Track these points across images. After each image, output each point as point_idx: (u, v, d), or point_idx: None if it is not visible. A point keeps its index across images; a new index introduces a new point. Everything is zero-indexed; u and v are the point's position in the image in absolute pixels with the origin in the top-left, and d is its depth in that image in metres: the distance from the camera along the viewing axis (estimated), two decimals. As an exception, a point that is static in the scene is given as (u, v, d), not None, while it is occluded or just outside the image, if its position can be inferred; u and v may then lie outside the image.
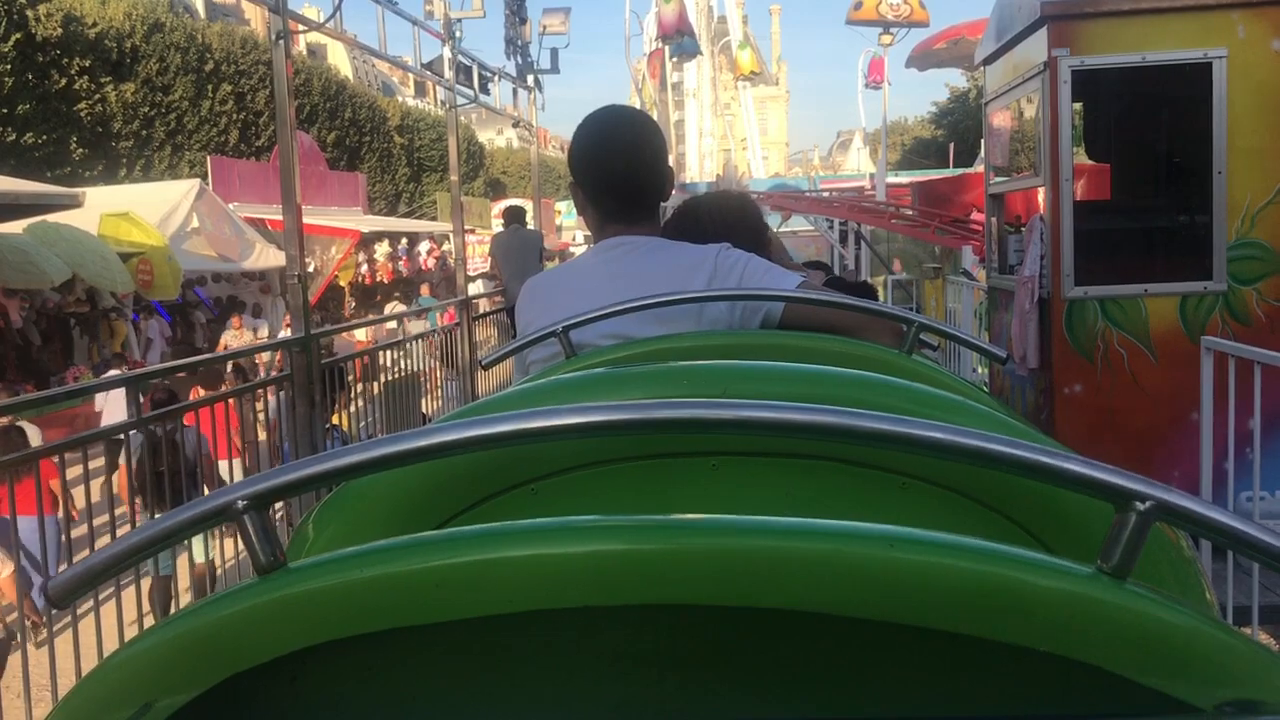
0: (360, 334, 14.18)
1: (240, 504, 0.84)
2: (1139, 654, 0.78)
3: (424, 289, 21.77)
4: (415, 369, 8.53)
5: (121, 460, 6.26)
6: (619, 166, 2.14)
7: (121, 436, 5.08)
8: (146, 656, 0.85)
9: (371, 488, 1.21)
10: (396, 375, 8.15)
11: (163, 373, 6.68)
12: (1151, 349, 5.53)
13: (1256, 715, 0.78)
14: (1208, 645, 0.79)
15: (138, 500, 4.99)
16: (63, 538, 5.74)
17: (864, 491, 1.22)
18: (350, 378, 7.48)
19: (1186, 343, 5.34)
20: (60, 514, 6.01)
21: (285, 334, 15.83)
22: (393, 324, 13.53)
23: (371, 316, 18.38)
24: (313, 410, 5.64)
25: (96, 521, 4.46)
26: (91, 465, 4.03)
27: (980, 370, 9.36)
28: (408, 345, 8.59)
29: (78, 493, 4.72)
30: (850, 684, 0.89)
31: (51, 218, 14.44)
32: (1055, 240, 5.57)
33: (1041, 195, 5.92)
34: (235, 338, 17.47)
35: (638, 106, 30.20)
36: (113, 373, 13.73)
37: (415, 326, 10.70)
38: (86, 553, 5.60)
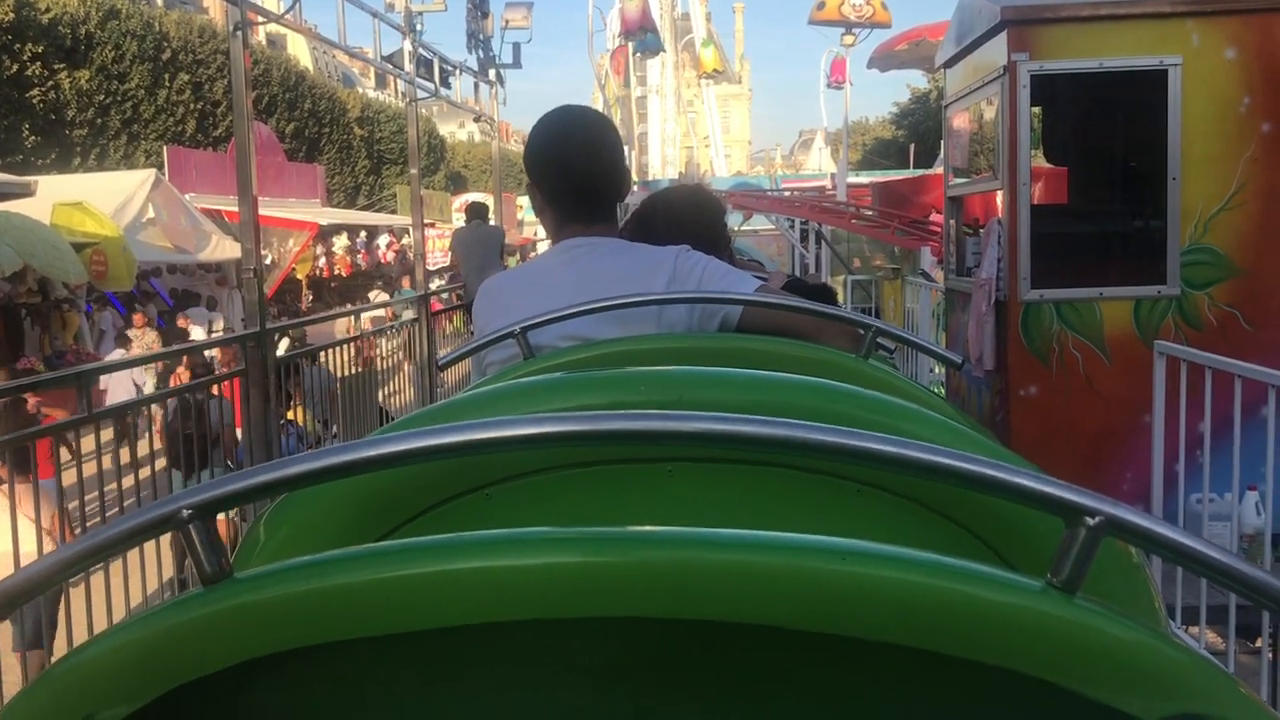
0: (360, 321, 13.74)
1: (185, 513, 0.82)
2: (1087, 668, 0.79)
3: (404, 281, 21.54)
4: (379, 364, 8.50)
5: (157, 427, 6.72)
6: (577, 167, 2.13)
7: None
8: (89, 667, 0.83)
9: (325, 490, 1.20)
10: (358, 369, 8.10)
11: (118, 366, 6.59)
12: (1106, 352, 5.60)
13: None
14: (1155, 659, 0.80)
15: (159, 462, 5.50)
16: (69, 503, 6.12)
17: (819, 498, 1.22)
18: (315, 366, 7.43)
19: (1140, 346, 5.40)
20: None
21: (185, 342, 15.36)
22: (379, 312, 13.38)
23: (357, 305, 18.16)
24: (267, 406, 5.59)
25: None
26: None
27: (937, 370, 9.43)
28: (372, 338, 8.56)
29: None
30: (803, 697, 0.89)
31: (2, 206, 14.20)
32: (1012, 243, 5.63)
33: (999, 198, 5.97)
34: (137, 338, 15.61)
35: (601, 103, 30.16)
36: (118, 351, 13.57)
37: (409, 315, 10.61)
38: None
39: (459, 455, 0.88)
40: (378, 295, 20.45)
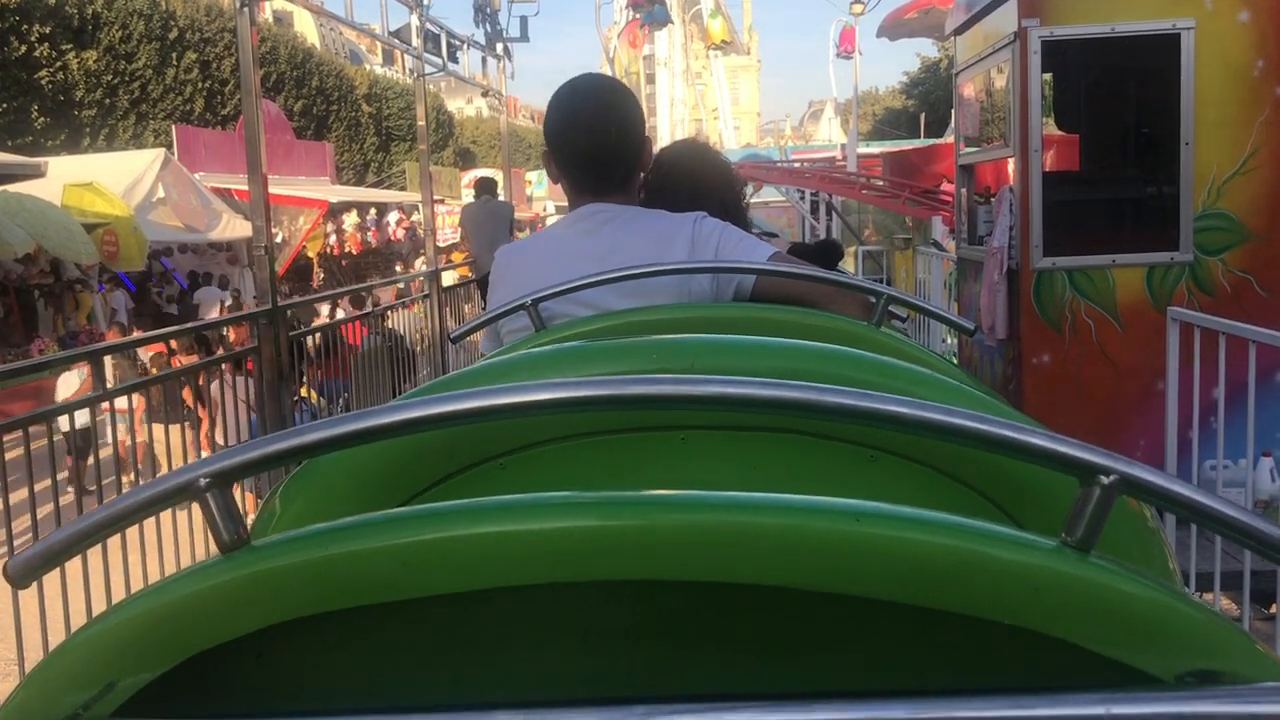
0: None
1: (202, 481, 0.83)
2: (1102, 626, 0.79)
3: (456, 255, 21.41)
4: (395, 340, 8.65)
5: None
6: (587, 137, 2.11)
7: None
8: (110, 635, 0.84)
9: (340, 462, 1.21)
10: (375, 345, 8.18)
11: (127, 345, 6.62)
12: (1119, 319, 5.57)
13: (1216, 685, 0.79)
14: (1169, 617, 0.80)
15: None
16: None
17: (832, 465, 1.22)
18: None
19: (1153, 313, 5.38)
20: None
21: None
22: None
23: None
24: (280, 383, 5.60)
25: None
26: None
27: (949, 341, 9.40)
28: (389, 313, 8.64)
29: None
30: (817, 657, 0.90)
31: (13, 188, 14.24)
32: (1024, 211, 5.59)
33: (1011, 166, 5.93)
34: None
35: (597, 74, 29.94)
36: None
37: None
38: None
39: (475, 421, 0.88)
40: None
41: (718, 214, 2.18)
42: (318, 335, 7.45)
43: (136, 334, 13.36)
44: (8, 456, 3.86)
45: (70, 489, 6.37)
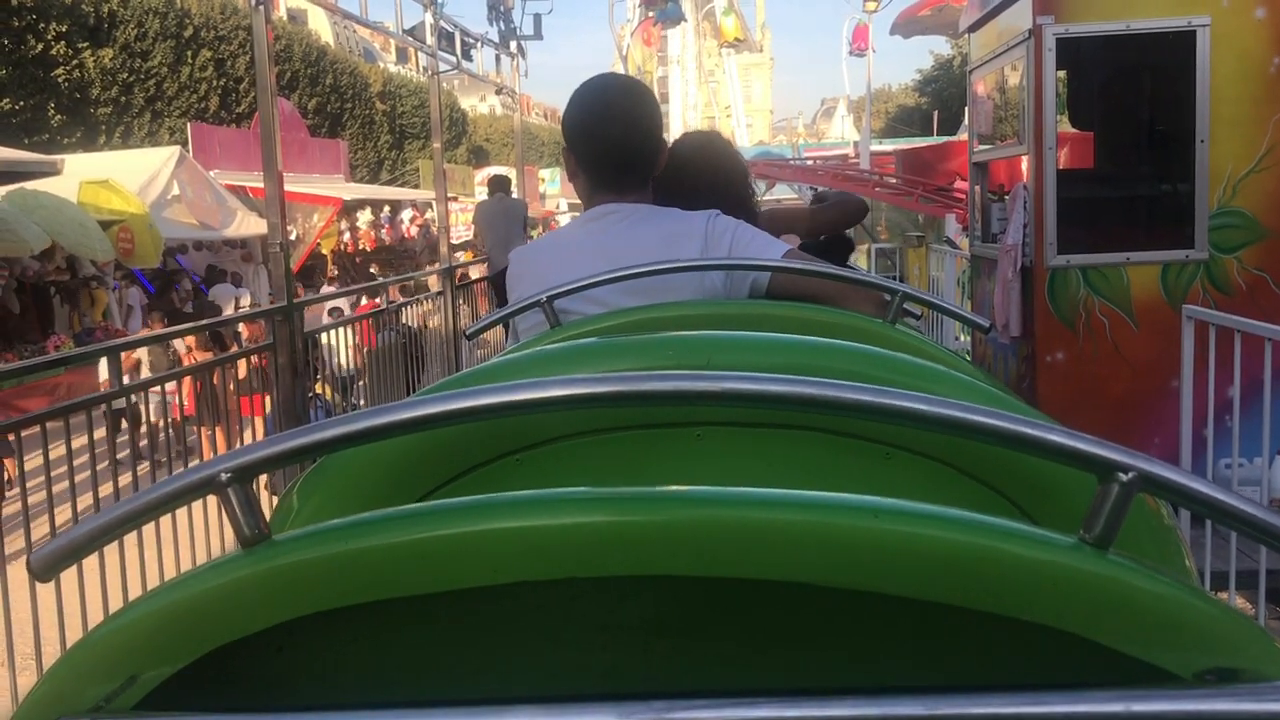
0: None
1: (224, 476, 0.84)
2: (1121, 623, 0.79)
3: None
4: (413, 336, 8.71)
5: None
6: (610, 134, 2.11)
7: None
8: (132, 629, 0.85)
9: (356, 458, 1.21)
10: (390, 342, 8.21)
11: (143, 342, 6.65)
12: (1133, 317, 5.56)
13: (1236, 682, 0.79)
14: (1188, 614, 0.80)
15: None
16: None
17: (848, 461, 1.22)
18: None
19: (1168, 311, 5.36)
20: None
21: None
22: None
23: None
24: (295, 379, 5.62)
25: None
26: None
27: (963, 338, 9.39)
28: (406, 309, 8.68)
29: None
30: (834, 653, 0.90)
31: (30, 185, 14.29)
32: (1038, 208, 5.58)
33: (1025, 163, 5.92)
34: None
35: (622, 73, 29.92)
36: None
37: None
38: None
39: (494, 416, 0.88)
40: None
41: (733, 208, 2.18)
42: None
43: (158, 329, 13.49)
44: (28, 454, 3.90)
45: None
